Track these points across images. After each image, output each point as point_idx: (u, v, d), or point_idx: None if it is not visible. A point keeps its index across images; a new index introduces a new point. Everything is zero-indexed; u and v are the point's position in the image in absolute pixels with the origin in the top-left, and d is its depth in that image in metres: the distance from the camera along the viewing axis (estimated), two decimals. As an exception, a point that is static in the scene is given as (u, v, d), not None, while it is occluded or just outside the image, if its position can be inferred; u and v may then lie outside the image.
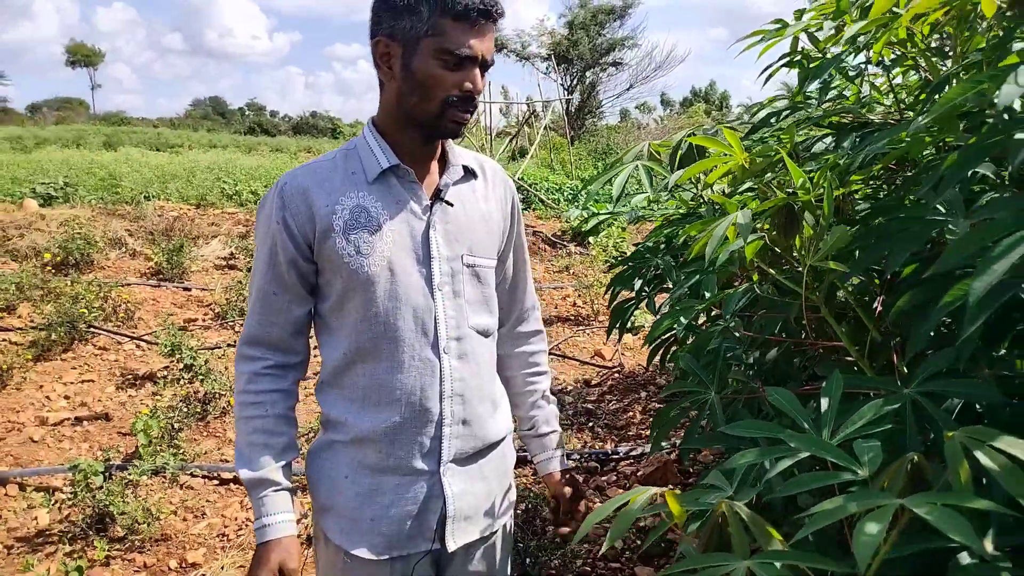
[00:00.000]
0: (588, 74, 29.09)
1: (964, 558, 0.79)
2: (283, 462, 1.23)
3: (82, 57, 67.10)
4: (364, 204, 1.18)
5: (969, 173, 0.91)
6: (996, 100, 0.80)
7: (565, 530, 1.51)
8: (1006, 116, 0.88)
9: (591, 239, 8.14)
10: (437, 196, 1.23)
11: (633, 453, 3.37)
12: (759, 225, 1.27)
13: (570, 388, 4.41)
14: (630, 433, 3.68)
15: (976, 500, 0.66)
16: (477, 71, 1.15)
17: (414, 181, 1.21)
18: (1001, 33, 1.00)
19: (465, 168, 1.28)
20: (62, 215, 8.02)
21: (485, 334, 1.29)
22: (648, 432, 3.61)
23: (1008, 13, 0.99)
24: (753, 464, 1.02)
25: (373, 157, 1.20)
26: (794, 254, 1.18)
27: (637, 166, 1.76)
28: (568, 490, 1.47)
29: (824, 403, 0.99)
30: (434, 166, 1.26)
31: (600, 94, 30.01)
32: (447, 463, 1.24)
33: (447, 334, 1.22)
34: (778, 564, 0.73)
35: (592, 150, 19.18)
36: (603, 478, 3.21)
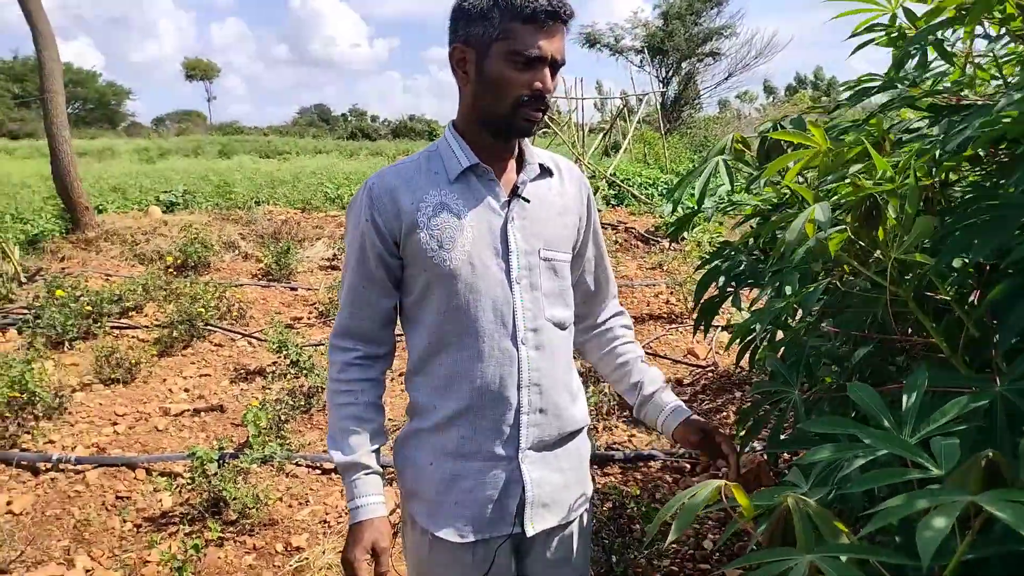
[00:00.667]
0: (684, 65, 28.40)
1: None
2: (374, 447, 1.30)
3: (199, 72, 71.83)
4: (446, 201, 1.25)
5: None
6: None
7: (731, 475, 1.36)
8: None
9: (685, 234, 7.97)
10: (515, 193, 1.28)
11: (725, 452, 3.30)
12: (842, 217, 1.23)
13: (662, 386, 4.35)
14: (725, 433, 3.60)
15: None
16: (547, 71, 1.19)
17: (493, 179, 1.27)
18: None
19: (541, 166, 1.33)
20: (182, 221, 8.65)
21: (561, 326, 1.33)
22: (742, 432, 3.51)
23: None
24: (831, 462, 1.00)
25: (454, 157, 1.27)
26: (877, 247, 1.14)
27: (718, 163, 1.72)
28: (698, 437, 1.38)
29: (906, 399, 0.96)
30: (511, 164, 1.31)
31: (698, 84, 29.24)
32: (525, 450, 1.28)
33: (525, 325, 1.27)
34: (843, 558, 0.72)
35: (690, 142, 18.76)
36: (695, 479, 3.16)
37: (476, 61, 1.21)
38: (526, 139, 1.34)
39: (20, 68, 48.23)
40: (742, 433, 1.41)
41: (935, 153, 1.16)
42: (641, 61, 27.29)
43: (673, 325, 5.43)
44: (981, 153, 1.32)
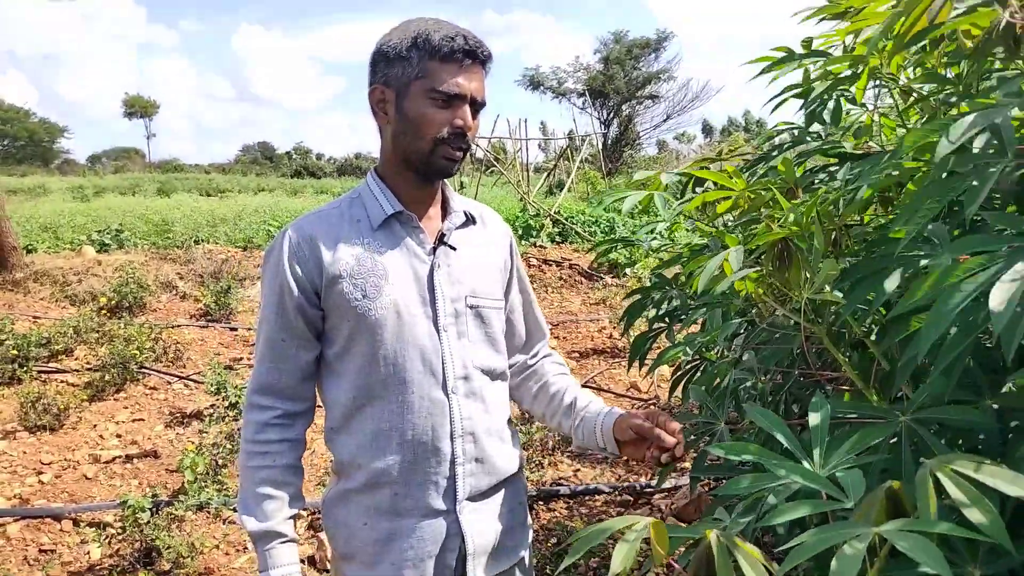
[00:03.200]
0: (624, 107, 29.30)
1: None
2: (290, 513, 1.25)
3: (138, 109, 70.35)
4: (370, 250, 1.23)
5: (931, 211, 0.94)
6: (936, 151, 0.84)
7: (671, 441, 1.26)
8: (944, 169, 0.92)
9: (628, 271, 8.15)
10: (441, 240, 1.27)
11: (666, 486, 3.35)
12: (760, 258, 1.31)
13: (605, 421, 4.41)
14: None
15: (940, 526, 0.68)
16: (467, 108, 1.20)
17: (417, 226, 1.26)
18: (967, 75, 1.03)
19: (466, 214, 1.33)
20: (117, 260, 8.40)
21: (491, 375, 1.32)
22: (683, 465, 3.58)
23: (978, 54, 1.03)
24: (752, 494, 1.05)
25: (377, 204, 1.25)
26: (791, 287, 1.22)
27: (653, 196, 1.80)
28: (639, 421, 1.28)
29: (812, 424, 1.02)
30: (435, 211, 1.31)
31: (637, 126, 30.16)
32: (463, 501, 1.25)
33: (454, 374, 1.24)
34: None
35: (629, 182, 19.22)
36: (637, 512, 3.19)
37: (395, 101, 1.21)
38: (450, 187, 1.34)
39: (-56, 103, 46.45)
40: (660, 469, 1.46)
41: (840, 198, 1.25)
42: (583, 103, 28.04)
43: (616, 359, 5.52)
44: (890, 195, 1.42)
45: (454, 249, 1.28)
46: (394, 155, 1.25)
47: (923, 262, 1.01)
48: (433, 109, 1.18)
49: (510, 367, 1.46)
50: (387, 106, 1.23)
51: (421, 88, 1.18)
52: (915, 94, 1.40)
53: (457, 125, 1.19)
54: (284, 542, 1.23)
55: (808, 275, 1.17)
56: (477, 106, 1.23)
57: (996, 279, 0.76)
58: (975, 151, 0.92)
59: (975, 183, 0.85)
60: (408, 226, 1.26)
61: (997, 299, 0.74)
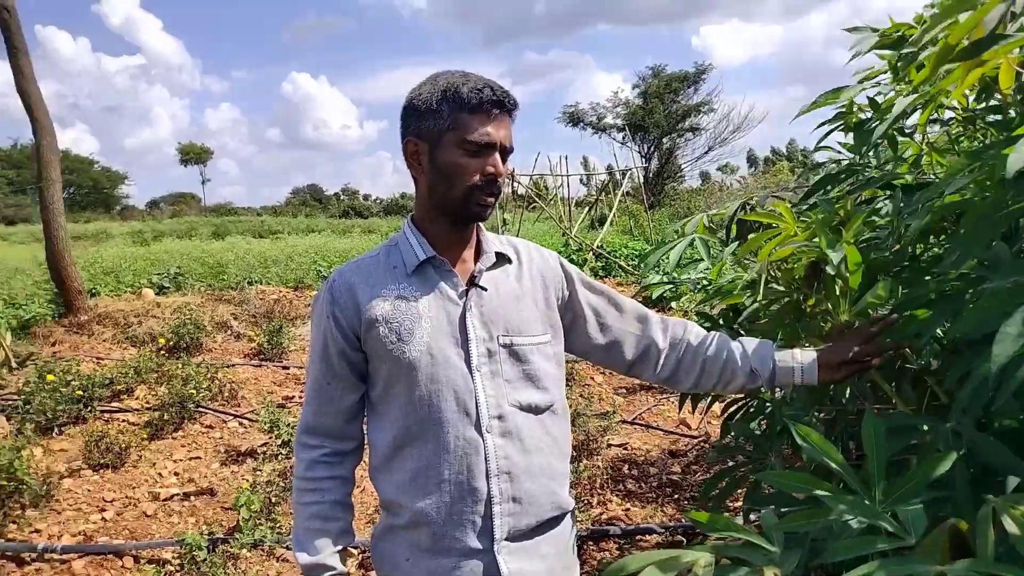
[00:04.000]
0: (665, 140, 29.30)
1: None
2: (339, 547, 1.29)
3: (193, 155, 73.33)
4: (404, 294, 1.28)
5: (992, 235, 0.93)
6: (1004, 171, 0.83)
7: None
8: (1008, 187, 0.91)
9: (673, 305, 8.07)
10: (472, 282, 1.31)
11: (720, 524, 3.28)
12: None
13: (655, 458, 4.34)
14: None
15: (1001, 567, 0.67)
16: (497, 156, 1.25)
17: (449, 270, 1.30)
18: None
19: (498, 254, 1.36)
20: (175, 302, 8.70)
21: (533, 411, 1.31)
22: (737, 504, 3.50)
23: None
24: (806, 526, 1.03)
25: (411, 250, 1.31)
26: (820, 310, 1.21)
27: (695, 240, 1.82)
28: (843, 369, 1.28)
29: (870, 460, 1.00)
30: (469, 254, 1.35)
31: (678, 159, 30.09)
32: (501, 541, 1.25)
33: (488, 413, 1.26)
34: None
35: (673, 214, 19.17)
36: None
37: (429, 152, 1.26)
38: (483, 229, 1.38)
39: (17, 155, 49.16)
40: (714, 493, 1.44)
41: (900, 228, 1.23)
42: (623, 138, 28.17)
43: (664, 395, 5.45)
44: (944, 225, 1.41)
45: (485, 290, 1.31)
46: (429, 203, 1.31)
47: (985, 286, 0.99)
48: (465, 159, 1.24)
49: (654, 366, 1.44)
50: (421, 158, 1.28)
51: (453, 139, 1.23)
52: (975, 123, 1.39)
53: (489, 172, 1.24)
54: (333, 575, 1.27)
55: (842, 299, 1.16)
56: (506, 152, 1.28)
57: None
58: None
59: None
60: (441, 270, 1.30)
61: None
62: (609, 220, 14.89)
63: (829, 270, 1.17)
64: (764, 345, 1.38)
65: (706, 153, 29.88)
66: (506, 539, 1.26)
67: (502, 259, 1.37)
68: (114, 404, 5.28)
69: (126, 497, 3.98)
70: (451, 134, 1.23)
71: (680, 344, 1.43)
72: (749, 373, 1.36)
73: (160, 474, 4.29)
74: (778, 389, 1.54)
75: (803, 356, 1.32)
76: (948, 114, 1.58)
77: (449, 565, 1.25)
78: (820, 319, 1.36)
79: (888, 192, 1.57)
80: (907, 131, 1.66)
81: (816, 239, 1.29)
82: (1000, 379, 0.81)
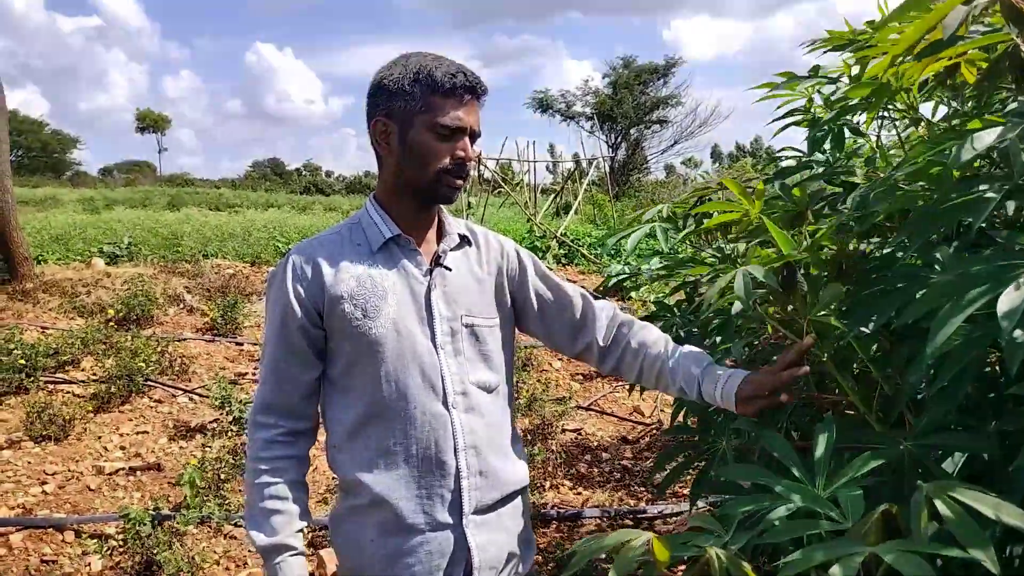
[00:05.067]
0: (632, 131, 29.50)
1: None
2: (298, 527, 1.27)
3: (151, 123, 71.26)
4: (370, 272, 1.27)
5: (937, 231, 0.96)
6: (950, 162, 0.85)
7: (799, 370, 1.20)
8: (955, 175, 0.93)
9: (633, 294, 8.17)
10: (437, 262, 1.32)
11: (667, 512, 3.34)
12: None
13: (608, 444, 4.40)
14: (667, 491, 3.65)
15: (934, 547, 0.70)
16: (467, 140, 1.26)
17: (415, 249, 1.31)
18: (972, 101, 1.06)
19: (460, 236, 1.37)
20: (126, 273, 8.47)
21: (487, 390, 1.34)
22: (686, 491, 3.57)
23: (984, 83, 1.05)
24: (753, 510, 1.06)
25: (376, 228, 1.31)
26: (796, 310, 1.24)
27: (655, 227, 1.84)
28: (749, 391, 1.23)
29: (816, 451, 1.03)
30: (432, 235, 1.36)
31: (645, 150, 30.33)
32: (469, 515, 1.27)
33: (453, 389, 1.28)
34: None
35: (638, 205, 19.33)
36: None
37: (399, 133, 1.26)
38: (445, 211, 1.39)
39: (-38, 114, 47.06)
40: (662, 480, 1.46)
41: (836, 225, 1.27)
42: (591, 127, 28.24)
43: (619, 383, 5.52)
44: (890, 224, 1.44)
45: (449, 270, 1.32)
46: (396, 183, 1.31)
47: (929, 281, 1.02)
48: (436, 142, 1.24)
49: (591, 354, 1.43)
50: (390, 137, 1.28)
51: (424, 122, 1.24)
52: (924, 122, 1.42)
53: (459, 156, 1.26)
54: (294, 555, 1.26)
55: (810, 299, 1.19)
56: (475, 137, 1.29)
57: (1003, 290, 0.77)
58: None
59: (987, 196, 0.87)
60: (406, 249, 1.31)
61: (1005, 306, 0.75)
62: (574, 208, 14.94)
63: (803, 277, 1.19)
64: (698, 363, 1.32)
65: (672, 146, 30.20)
66: (473, 512, 1.28)
67: (464, 241, 1.39)
68: (59, 375, 5.13)
69: (69, 470, 3.88)
70: (422, 116, 1.24)
71: (621, 345, 1.41)
72: (680, 389, 1.34)
73: (105, 448, 4.18)
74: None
75: (726, 385, 1.26)
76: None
77: (418, 540, 1.25)
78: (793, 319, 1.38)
79: (839, 191, 1.61)
80: (860, 129, 1.69)
81: (767, 230, 1.31)
82: (939, 362, 0.83)
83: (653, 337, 1.41)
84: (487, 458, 1.30)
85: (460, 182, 1.28)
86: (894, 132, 1.68)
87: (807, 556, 0.74)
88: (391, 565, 1.26)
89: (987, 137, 0.90)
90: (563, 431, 4.49)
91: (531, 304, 1.43)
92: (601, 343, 1.42)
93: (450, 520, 1.26)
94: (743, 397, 1.23)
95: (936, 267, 1.06)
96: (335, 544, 1.34)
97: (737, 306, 1.28)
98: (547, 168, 26.11)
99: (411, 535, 1.25)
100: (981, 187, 0.93)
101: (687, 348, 1.38)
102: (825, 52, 1.59)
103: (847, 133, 1.65)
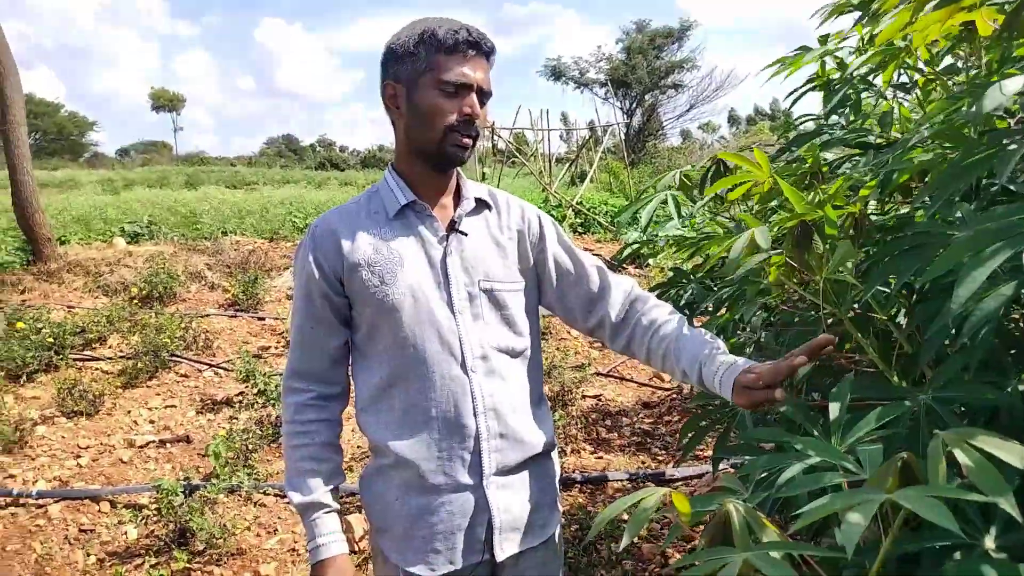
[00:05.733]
0: (647, 97, 29.07)
1: (957, 556, 0.83)
2: (331, 486, 1.32)
3: (165, 102, 71.29)
4: (386, 238, 1.29)
5: (959, 188, 0.95)
6: (972, 112, 0.85)
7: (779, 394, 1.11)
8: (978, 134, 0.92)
9: (651, 262, 8.14)
10: (452, 227, 1.33)
11: (689, 474, 3.37)
12: (782, 242, 1.33)
13: (628, 409, 4.43)
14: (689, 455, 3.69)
15: (952, 491, 0.71)
16: (473, 96, 1.25)
17: (430, 215, 1.32)
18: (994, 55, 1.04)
19: (478, 200, 1.37)
20: (147, 251, 8.57)
21: (511, 354, 1.36)
22: (707, 453, 3.60)
23: (1004, 34, 1.03)
24: (771, 470, 1.07)
25: (392, 195, 1.32)
26: (811, 270, 1.23)
27: (667, 196, 1.82)
28: (746, 381, 1.15)
29: (832, 410, 1.04)
30: (448, 200, 1.36)
31: (660, 116, 29.92)
32: (490, 476, 1.30)
33: (472, 353, 1.29)
34: (776, 555, 0.79)
35: (654, 172, 19.15)
36: (659, 498, 3.22)
37: (406, 95, 1.27)
38: (463, 175, 1.39)
39: (-21, 98, 47.40)
40: (685, 442, 1.48)
41: (850, 184, 1.26)
42: (605, 93, 27.89)
43: (639, 350, 5.53)
44: (911, 185, 1.43)
45: (466, 235, 1.33)
46: (407, 147, 1.32)
47: (951, 238, 1.01)
48: (442, 99, 1.24)
49: (603, 330, 1.42)
50: (399, 100, 1.29)
51: (429, 80, 1.24)
52: (939, 80, 1.40)
53: (465, 112, 1.25)
54: (328, 512, 1.31)
55: (825, 257, 1.18)
56: (484, 95, 1.28)
57: None
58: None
59: (1009, 148, 0.86)
60: (422, 214, 1.32)
61: None
62: (589, 176, 14.83)
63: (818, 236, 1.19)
64: (704, 347, 1.27)
65: (688, 111, 29.75)
66: (494, 474, 1.30)
67: (481, 205, 1.39)
68: (87, 353, 5.24)
69: (101, 444, 3.99)
70: (428, 75, 1.24)
71: (632, 322, 1.39)
72: (683, 372, 1.30)
73: (135, 422, 4.29)
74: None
75: (725, 373, 1.20)
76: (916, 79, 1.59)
77: (440, 501, 1.29)
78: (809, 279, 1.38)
79: (859, 153, 1.59)
80: (875, 93, 1.67)
81: (783, 194, 1.30)
82: (962, 319, 0.83)
83: (665, 316, 1.37)
84: (508, 421, 1.32)
85: (468, 140, 1.27)
86: (913, 95, 1.65)
87: (829, 503, 0.76)
88: (415, 523, 1.29)
89: (1012, 85, 0.89)
90: (583, 397, 4.53)
91: (549, 273, 1.43)
92: (614, 319, 1.40)
93: (471, 481, 1.29)
94: (740, 386, 1.17)
95: (958, 225, 1.06)
96: (364, 501, 1.39)
97: (746, 266, 1.26)
98: (560, 137, 25.87)
99: (433, 495, 1.29)
100: (1004, 140, 0.92)
101: (698, 331, 1.32)
102: (836, 19, 1.57)
103: (864, 95, 1.63)
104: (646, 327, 1.37)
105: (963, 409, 1.12)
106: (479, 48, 1.25)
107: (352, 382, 1.39)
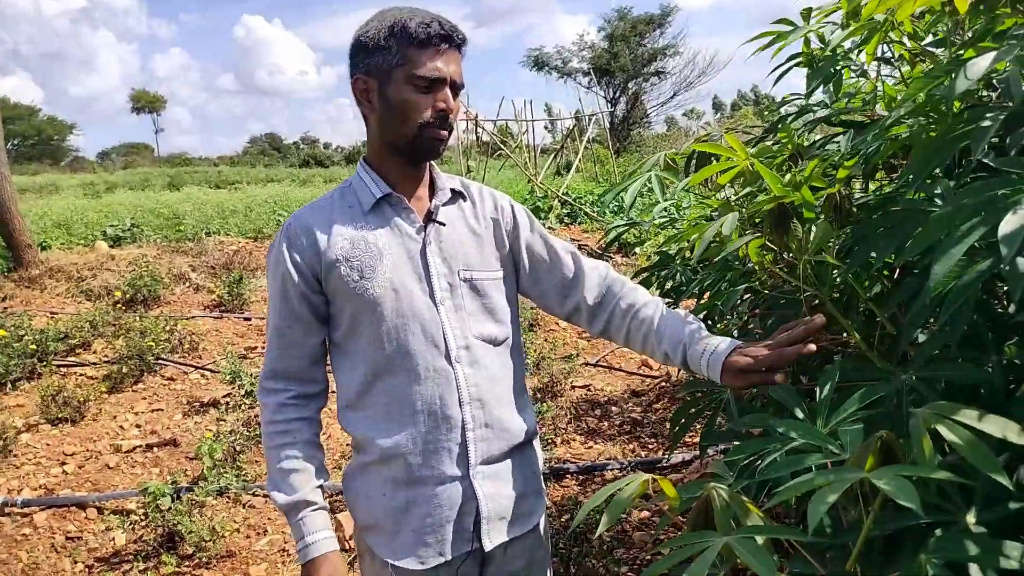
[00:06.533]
0: (631, 85, 29.07)
1: (939, 533, 0.82)
2: (317, 483, 1.30)
3: (145, 104, 70.57)
4: (363, 232, 1.27)
5: (940, 164, 0.94)
6: (948, 91, 0.83)
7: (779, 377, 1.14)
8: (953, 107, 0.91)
9: (638, 250, 8.14)
10: (430, 218, 1.31)
11: (675, 461, 3.38)
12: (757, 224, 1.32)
13: (617, 398, 4.43)
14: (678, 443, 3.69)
15: (931, 470, 0.70)
16: (447, 91, 1.24)
17: (407, 207, 1.30)
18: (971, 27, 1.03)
19: (453, 191, 1.36)
20: (130, 255, 8.48)
21: (493, 342, 1.35)
22: (696, 441, 3.61)
23: (982, 7, 1.02)
24: (757, 453, 1.06)
25: (367, 189, 1.30)
26: (789, 251, 1.22)
27: (651, 176, 1.81)
28: (744, 378, 1.17)
29: (819, 392, 1.03)
30: (423, 191, 1.35)
31: (645, 104, 29.92)
32: (476, 466, 1.29)
33: (456, 344, 1.29)
34: (758, 539, 0.78)
35: (638, 160, 19.14)
36: (650, 485, 3.22)
37: (379, 89, 1.25)
38: (435, 166, 1.37)
39: (-45, 104, 46.78)
40: (675, 430, 1.47)
41: (829, 163, 1.25)
42: (589, 82, 27.86)
43: (627, 339, 5.53)
44: (895, 163, 1.42)
45: (443, 225, 1.32)
46: (380, 141, 1.30)
47: (930, 215, 1.00)
48: (416, 94, 1.22)
49: (580, 315, 1.42)
50: (371, 95, 1.27)
51: (402, 75, 1.22)
52: (920, 56, 1.39)
53: (440, 108, 1.23)
54: (315, 510, 1.29)
55: (804, 239, 1.17)
56: (456, 88, 1.26)
57: (1002, 217, 0.75)
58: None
59: (985, 124, 0.85)
60: (398, 207, 1.31)
61: (1004, 231, 0.73)
62: (574, 166, 14.81)
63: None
64: (687, 327, 1.28)
65: (672, 98, 29.78)
66: (480, 463, 1.30)
67: (456, 196, 1.38)
68: (70, 359, 5.18)
69: (87, 450, 3.94)
70: (400, 70, 1.22)
71: (611, 305, 1.39)
72: (664, 354, 1.30)
73: (121, 427, 4.24)
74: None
75: (714, 353, 1.20)
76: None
77: (427, 493, 1.28)
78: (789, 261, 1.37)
79: (841, 131, 1.58)
80: (859, 69, 1.65)
81: (761, 177, 1.29)
82: (941, 297, 0.82)
83: (644, 299, 1.38)
84: (492, 410, 1.31)
85: (444, 133, 1.26)
86: (896, 71, 1.64)
87: (804, 482, 0.75)
88: (403, 517, 1.29)
89: (982, 63, 0.87)
90: (572, 388, 4.53)
91: (523, 260, 1.42)
92: (590, 303, 1.40)
93: (458, 472, 1.28)
94: (735, 368, 1.16)
95: (937, 202, 1.05)
96: (348, 499, 1.37)
97: (727, 250, 1.26)
98: (545, 127, 25.84)
99: (420, 488, 1.28)
100: (984, 115, 0.91)
101: (677, 312, 1.33)
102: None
103: (847, 72, 1.61)
104: (625, 310, 1.37)
105: (944, 387, 1.11)
106: (451, 40, 1.23)
107: (334, 380, 1.37)
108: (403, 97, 1.22)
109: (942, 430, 0.73)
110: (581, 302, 1.41)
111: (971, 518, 0.81)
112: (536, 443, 1.46)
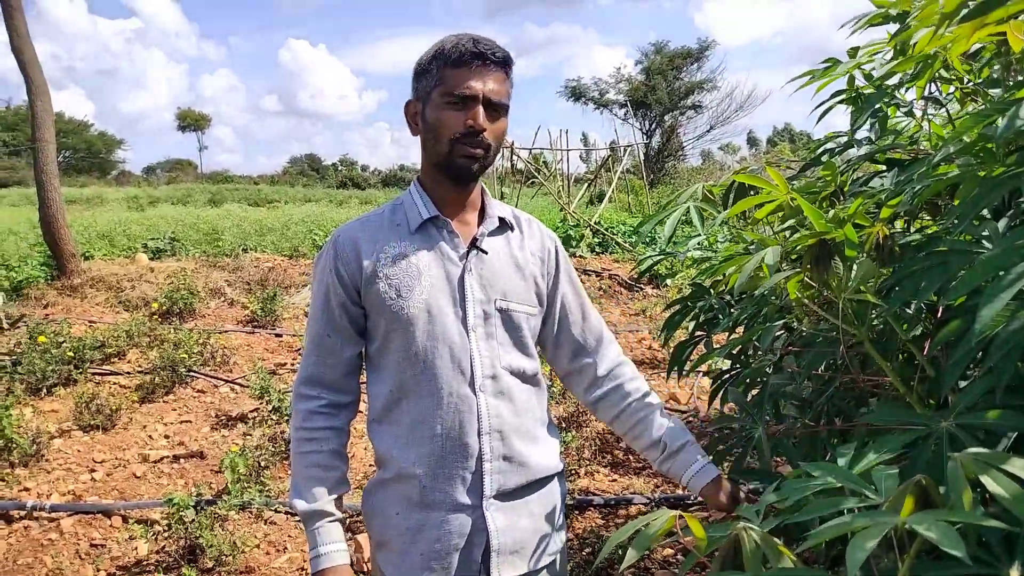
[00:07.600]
0: (667, 118, 29.11)
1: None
2: (336, 495, 1.31)
3: (191, 122, 72.66)
4: (405, 251, 1.29)
5: (988, 205, 0.91)
6: (998, 132, 0.81)
7: None
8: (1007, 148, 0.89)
9: (669, 282, 8.08)
10: (473, 245, 1.32)
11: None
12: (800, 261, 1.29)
13: (644, 431, 4.36)
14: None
15: (977, 517, 0.67)
16: (479, 108, 1.24)
17: (452, 231, 1.32)
18: None
19: (502, 220, 1.37)
20: (169, 267, 8.66)
21: (521, 376, 1.35)
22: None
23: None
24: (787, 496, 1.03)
25: (415, 209, 1.33)
26: (829, 289, 1.20)
27: (689, 207, 1.79)
28: (727, 500, 1.35)
29: (857, 435, 1.00)
30: (472, 217, 1.36)
31: (680, 136, 29.91)
32: (489, 497, 1.29)
33: (482, 372, 1.29)
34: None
35: (674, 192, 19.08)
36: (675, 523, 3.15)
37: (422, 111, 1.30)
38: (487, 192, 1.39)
39: (12, 117, 48.65)
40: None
41: (876, 201, 1.22)
42: (625, 114, 27.97)
43: (656, 370, 5.46)
44: (938, 203, 1.39)
45: (486, 253, 1.33)
46: (426, 162, 1.33)
47: (976, 257, 0.98)
48: (448, 111, 1.25)
49: (580, 380, 1.48)
50: (417, 117, 1.31)
51: (438, 94, 1.26)
52: (972, 96, 1.36)
53: (468, 124, 1.25)
54: (331, 521, 1.30)
55: (845, 276, 1.15)
56: (494, 106, 1.27)
57: None
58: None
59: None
60: (443, 230, 1.32)
61: None
62: (608, 196, 14.82)
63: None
64: (676, 437, 1.40)
65: (708, 132, 29.73)
66: (494, 496, 1.29)
67: (505, 225, 1.39)
68: (105, 367, 5.27)
69: (116, 458, 4.00)
70: (437, 90, 1.26)
71: (615, 382, 1.45)
72: (647, 448, 1.41)
73: (150, 436, 4.30)
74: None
75: (695, 477, 1.37)
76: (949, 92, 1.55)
77: (438, 519, 1.28)
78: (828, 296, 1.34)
79: (884, 170, 1.55)
80: (905, 108, 1.63)
81: (803, 212, 1.27)
82: (987, 342, 0.80)
83: (645, 388, 1.46)
84: (513, 443, 1.30)
85: (475, 151, 1.26)
86: (943, 109, 1.61)
87: (840, 524, 0.72)
88: (413, 539, 1.28)
89: (1032, 107, 0.85)
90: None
91: (554, 307, 1.44)
92: (599, 373, 1.45)
93: (469, 501, 1.28)
94: (710, 496, 1.35)
95: (984, 243, 1.02)
96: (365, 513, 1.38)
97: (766, 285, 1.25)
98: (580, 158, 25.95)
99: (432, 512, 1.28)
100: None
101: (674, 417, 1.44)
102: (865, 30, 1.54)
103: (892, 111, 1.59)
104: (627, 392, 1.44)
105: (984, 435, 1.07)
106: (484, 58, 1.25)
107: (367, 391, 1.39)
108: (437, 115, 1.26)
109: (986, 480, 0.71)
110: (591, 367, 1.46)
111: (1015, 572, 0.78)
112: (559, 479, 1.44)
